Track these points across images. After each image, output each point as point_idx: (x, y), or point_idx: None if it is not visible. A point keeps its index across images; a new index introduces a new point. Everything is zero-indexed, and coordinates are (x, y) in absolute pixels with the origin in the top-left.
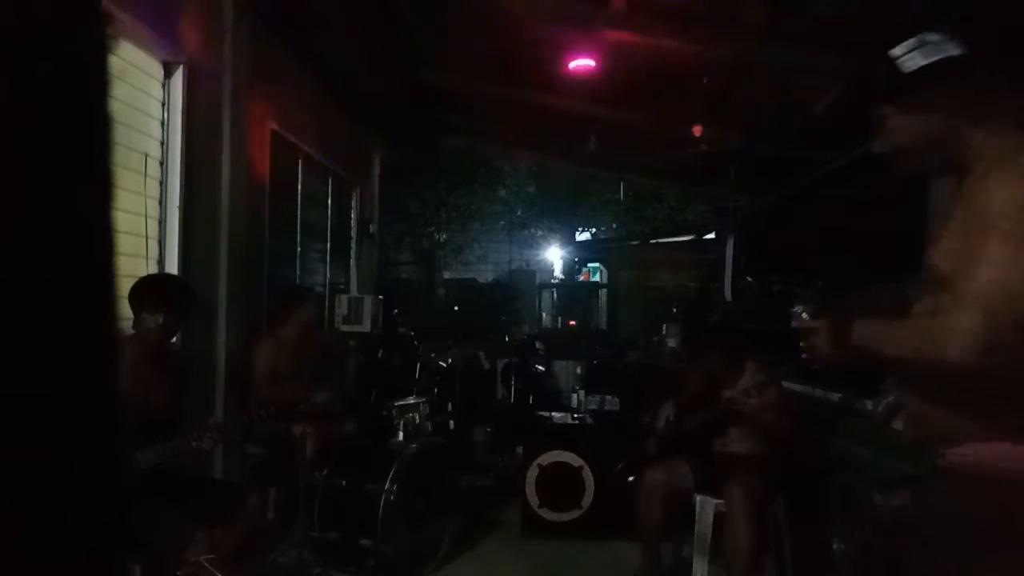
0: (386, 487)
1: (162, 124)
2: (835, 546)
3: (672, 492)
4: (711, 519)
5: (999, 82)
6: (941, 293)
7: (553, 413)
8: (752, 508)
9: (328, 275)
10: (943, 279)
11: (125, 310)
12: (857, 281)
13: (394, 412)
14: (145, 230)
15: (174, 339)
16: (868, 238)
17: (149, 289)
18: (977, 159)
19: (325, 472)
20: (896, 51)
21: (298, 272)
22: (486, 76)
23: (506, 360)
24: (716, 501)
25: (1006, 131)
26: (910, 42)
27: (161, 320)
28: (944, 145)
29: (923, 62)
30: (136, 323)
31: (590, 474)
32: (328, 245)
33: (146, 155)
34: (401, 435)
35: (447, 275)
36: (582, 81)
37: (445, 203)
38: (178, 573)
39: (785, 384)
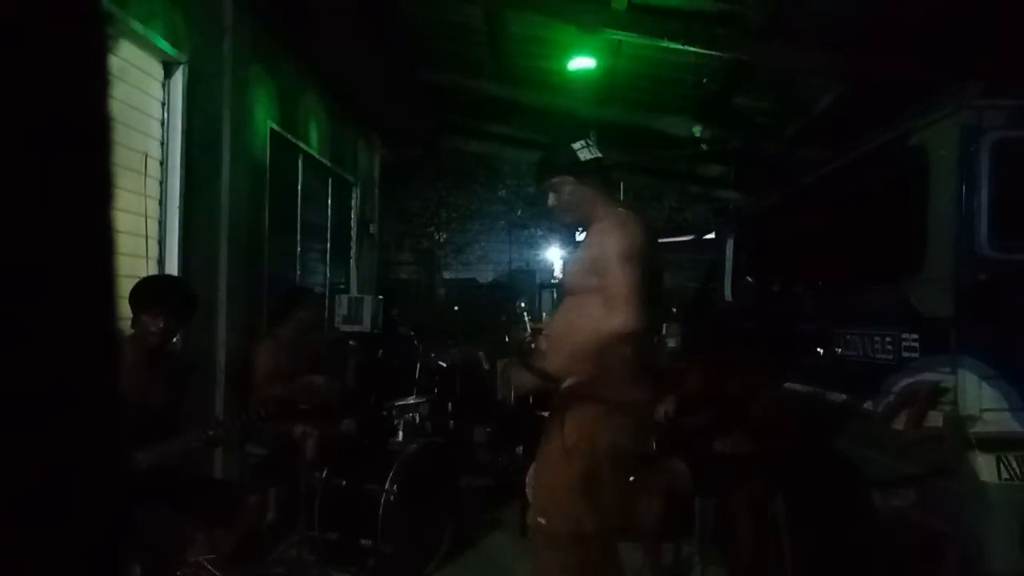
0: (386, 487)
1: (162, 124)
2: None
3: (672, 492)
4: (711, 519)
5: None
6: (590, 298)
7: None
8: (752, 508)
9: (328, 275)
10: (576, 289)
11: (125, 310)
12: (854, 281)
13: (394, 412)
14: (145, 230)
15: (174, 339)
16: (866, 238)
17: (149, 291)
18: (597, 221)
19: (325, 472)
20: (575, 144)
21: (298, 272)
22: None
23: (506, 360)
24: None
25: (614, 211)
26: (583, 141)
27: (160, 323)
28: (585, 211)
29: (589, 156)
30: (135, 324)
31: None
32: (328, 245)
33: (146, 155)
34: (401, 435)
35: (447, 275)
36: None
37: (445, 203)
38: (178, 573)
39: (785, 384)
